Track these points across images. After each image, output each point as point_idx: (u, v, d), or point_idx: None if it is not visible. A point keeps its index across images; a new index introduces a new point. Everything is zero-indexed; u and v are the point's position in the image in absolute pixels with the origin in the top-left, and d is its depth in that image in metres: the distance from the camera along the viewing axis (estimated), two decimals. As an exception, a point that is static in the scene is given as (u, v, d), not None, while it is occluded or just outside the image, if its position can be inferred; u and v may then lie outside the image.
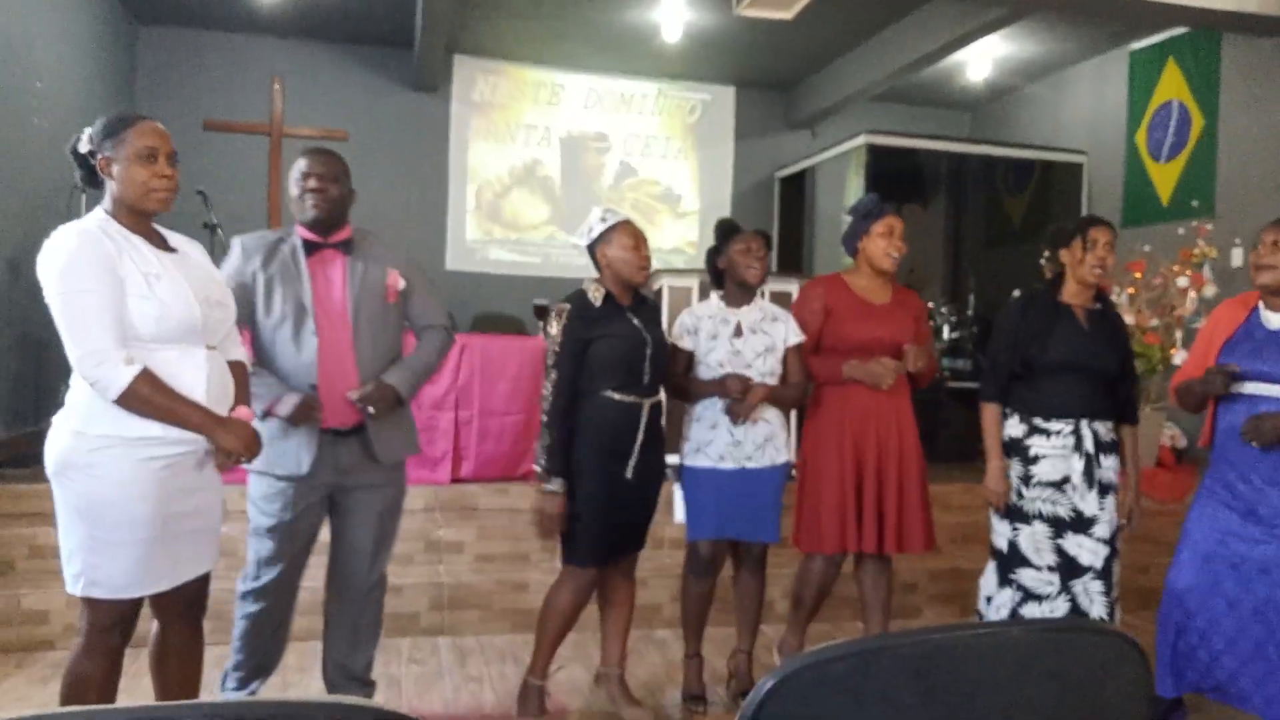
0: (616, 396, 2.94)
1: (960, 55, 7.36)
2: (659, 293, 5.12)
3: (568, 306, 2.95)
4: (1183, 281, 5.60)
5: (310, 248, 2.72)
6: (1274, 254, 2.82)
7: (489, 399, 4.90)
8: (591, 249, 3.02)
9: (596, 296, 2.97)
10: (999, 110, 9.04)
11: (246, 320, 2.66)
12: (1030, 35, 7.26)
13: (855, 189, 7.54)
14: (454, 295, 7.98)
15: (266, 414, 2.59)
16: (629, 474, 2.96)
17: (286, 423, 2.61)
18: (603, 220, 3.01)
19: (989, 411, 3.14)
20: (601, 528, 2.94)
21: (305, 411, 2.57)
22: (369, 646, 2.95)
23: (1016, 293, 5.54)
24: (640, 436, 2.97)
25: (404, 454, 2.85)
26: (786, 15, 5.17)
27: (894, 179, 7.65)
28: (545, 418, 2.90)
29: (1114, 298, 5.83)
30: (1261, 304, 2.92)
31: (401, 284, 2.78)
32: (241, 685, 2.82)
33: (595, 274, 3.06)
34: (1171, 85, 6.92)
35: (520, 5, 7.12)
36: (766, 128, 9.09)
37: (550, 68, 8.52)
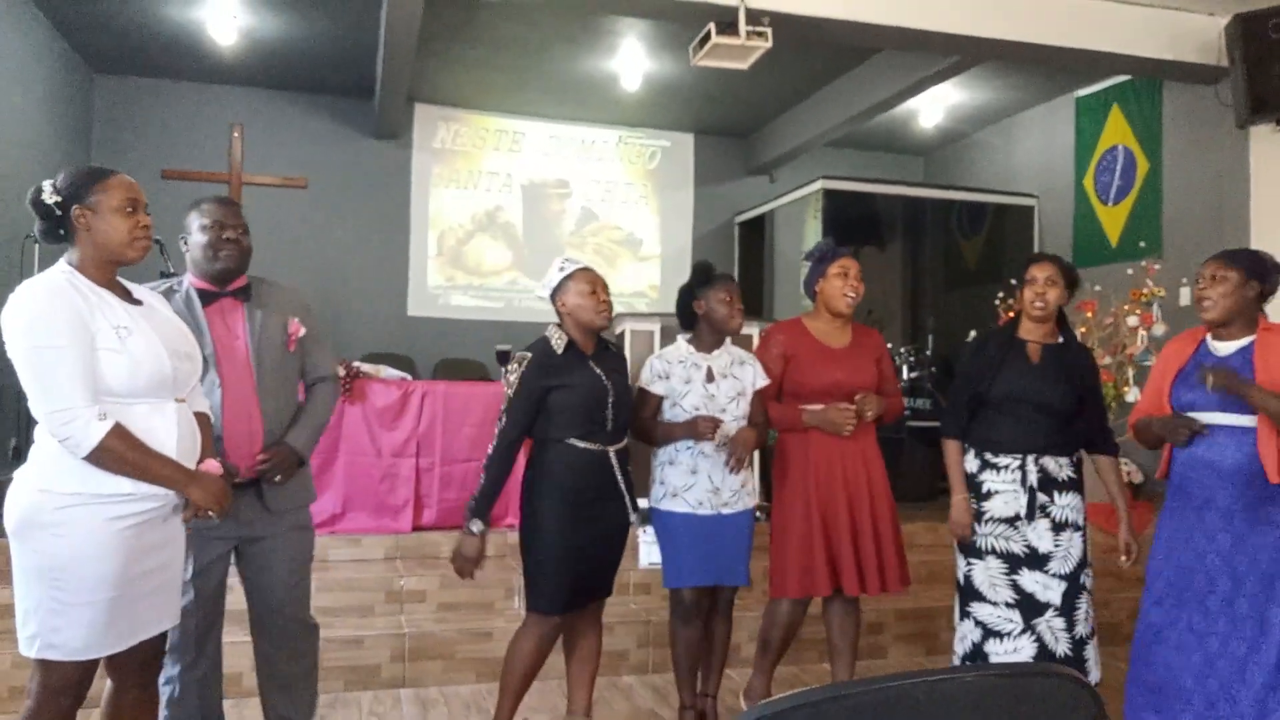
0: (580, 444, 2.93)
1: (913, 103, 7.55)
2: (621, 336, 5.14)
3: (529, 355, 2.95)
4: (1133, 320, 5.74)
5: (206, 297, 2.67)
6: (1213, 287, 2.88)
7: (451, 446, 4.87)
8: (553, 298, 3.04)
9: (559, 344, 2.97)
10: (951, 155, 9.26)
11: None
12: (980, 83, 7.46)
13: (813, 232, 7.66)
14: (416, 341, 7.96)
15: None
16: (631, 516, 3.02)
17: None
18: (560, 270, 3.03)
19: (950, 447, 3.18)
20: (565, 575, 2.92)
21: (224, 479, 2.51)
22: (306, 695, 2.87)
23: (973, 333, 5.65)
24: (610, 483, 2.97)
25: (301, 502, 2.81)
26: (742, 65, 5.28)
27: (851, 223, 7.79)
28: (488, 458, 2.91)
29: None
30: (1209, 336, 2.99)
31: (301, 332, 2.77)
32: None
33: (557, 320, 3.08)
34: (1117, 131, 7.14)
35: (481, 55, 7.20)
36: (725, 173, 9.23)
37: (511, 115, 8.60)
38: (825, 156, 8.86)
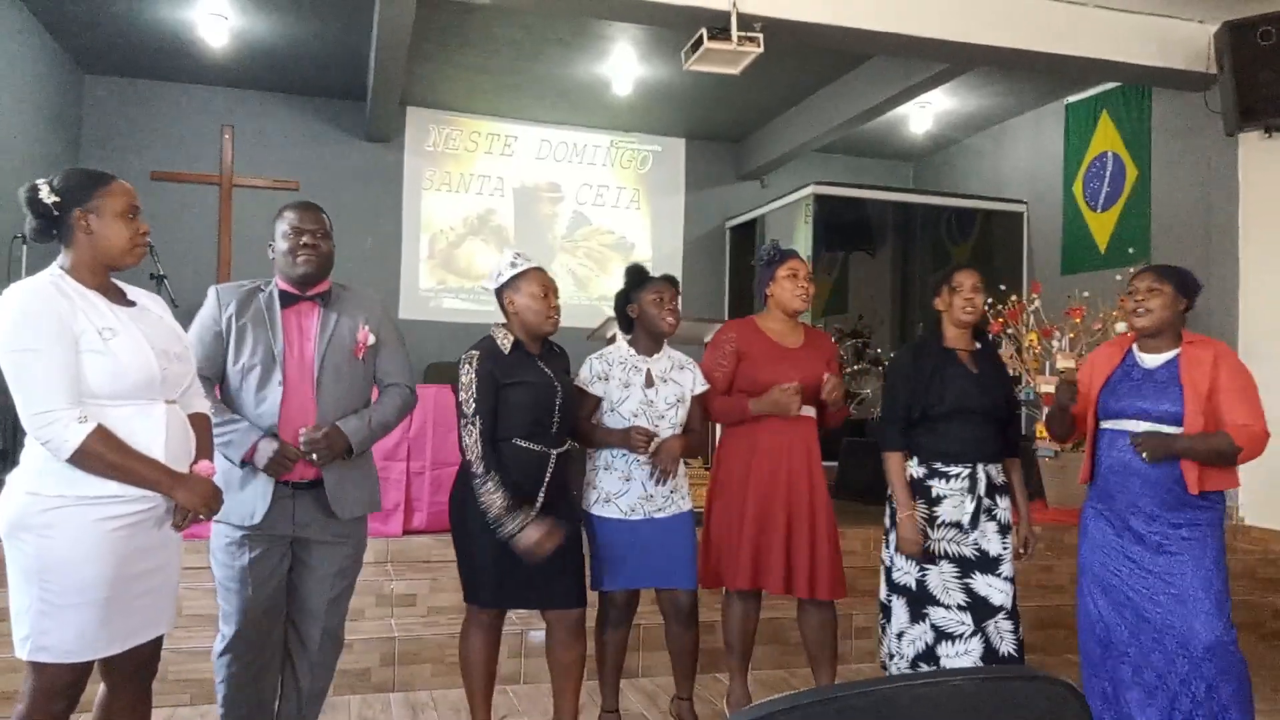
0: (524, 445, 2.88)
1: (903, 109, 7.57)
2: (612, 339, 5.13)
3: (476, 353, 2.89)
4: (1121, 326, 5.74)
5: (287, 299, 2.71)
6: (1149, 298, 2.99)
7: (442, 449, 4.86)
8: (499, 292, 2.98)
9: (505, 343, 2.93)
10: (941, 161, 9.29)
11: (218, 368, 2.66)
12: (970, 89, 7.50)
13: (804, 237, 7.68)
14: (407, 344, 7.93)
15: (244, 462, 2.57)
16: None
17: (248, 472, 2.58)
18: (513, 265, 2.97)
19: (893, 460, 3.16)
20: (499, 570, 2.86)
21: (279, 464, 2.55)
22: (315, 705, 2.88)
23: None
24: (544, 488, 2.89)
25: (364, 510, 2.78)
26: (734, 70, 5.29)
27: (841, 228, 7.81)
28: (481, 464, 2.79)
29: (1054, 342, 6.01)
30: (1135, 345, 3.10)
31: (371, 339, 2.76)
32: None
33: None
34: (1106, 137, 7.18)
35: (473, 59, 7.20)
36: (717, 178, 9.25)
37: (503, 119, 8.60)
38: (816, 162, 8.89)
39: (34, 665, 2.14)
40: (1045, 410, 3.27)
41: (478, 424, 2.82)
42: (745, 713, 0.85)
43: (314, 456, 2.60)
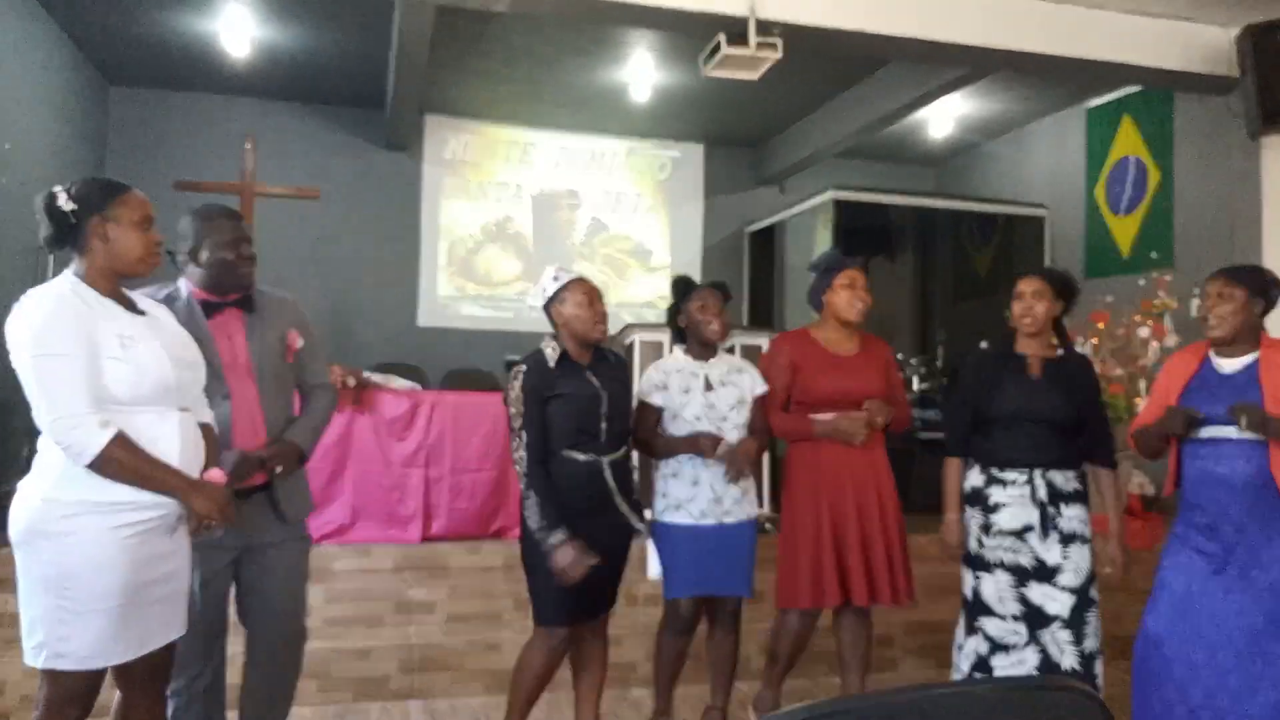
0: (576, 455, 2.91)
1: (923, 113, 7.54)
2: (630, 347, 5.14)
3: (524, 367, 2.93)
4: (1144, 332, 5.71)
5: (209, 308, 2.65)
6: (1220, 305, 2.89)
7: (460, 456, 4.87)
8: (547, 308, 3.02)
9: (552, 355, 2.96)
10: (962, 166, 9.24)
11: None
12: (990, 94, 7.46)
13: (824, 243, 7.65)
14: (426, 351, 7.97)
15: None
16: (637, 525, 2.99)
17: None
18: (555, 279, 3.01)
19: (949, 465, 3.19)
20: (575, 589, 2.90)
21: (247, 466, 2.54)
22: (287, 703, 2.86)
23: (984, 344, 5.63)
24: (605, 493, 2.95)
25: (307, 513, 2.84)
26: (753, 75, 5.28)
27: (861, 233, 7.78)
28: (525, 479, 2.86)
29: (1077, 347, 5.95)
30: (1212, 352, 2.99)
31: (300, 343, 2.77)
32: None
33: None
34: (1128, 141, 7.12)
35: (491, 67, 7.23)
36: (735, 184, 9.24)
37: (521, 126, 8.63)
38: (835, 167, 8.86)
39: (49, 673, 2.14)
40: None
41: (524, 438, 2.87)
42: (773, 718, 0.84)
43: (278, 469, 2.61)
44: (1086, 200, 7.48)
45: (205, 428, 2.39)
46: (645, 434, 3.19)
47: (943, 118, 7.95)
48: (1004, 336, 3.24)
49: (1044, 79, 6.91)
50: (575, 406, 2.91)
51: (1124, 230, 7.09)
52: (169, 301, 2.62)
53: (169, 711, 2.63)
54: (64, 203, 2.20)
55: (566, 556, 2.80)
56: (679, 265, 8.80)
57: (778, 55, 4.99)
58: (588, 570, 2.82)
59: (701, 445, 3.09)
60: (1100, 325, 5.87)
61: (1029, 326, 3.11)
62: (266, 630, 2.77)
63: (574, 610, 2.96)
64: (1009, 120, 8.16)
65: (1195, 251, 6.35)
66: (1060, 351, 3.17)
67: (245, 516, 2.61)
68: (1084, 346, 5.88)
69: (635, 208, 9.05)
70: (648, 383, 3.23)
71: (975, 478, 3.13)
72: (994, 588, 3.07)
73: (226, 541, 2.60)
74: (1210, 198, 6.33)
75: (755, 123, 8.52)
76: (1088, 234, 7.46)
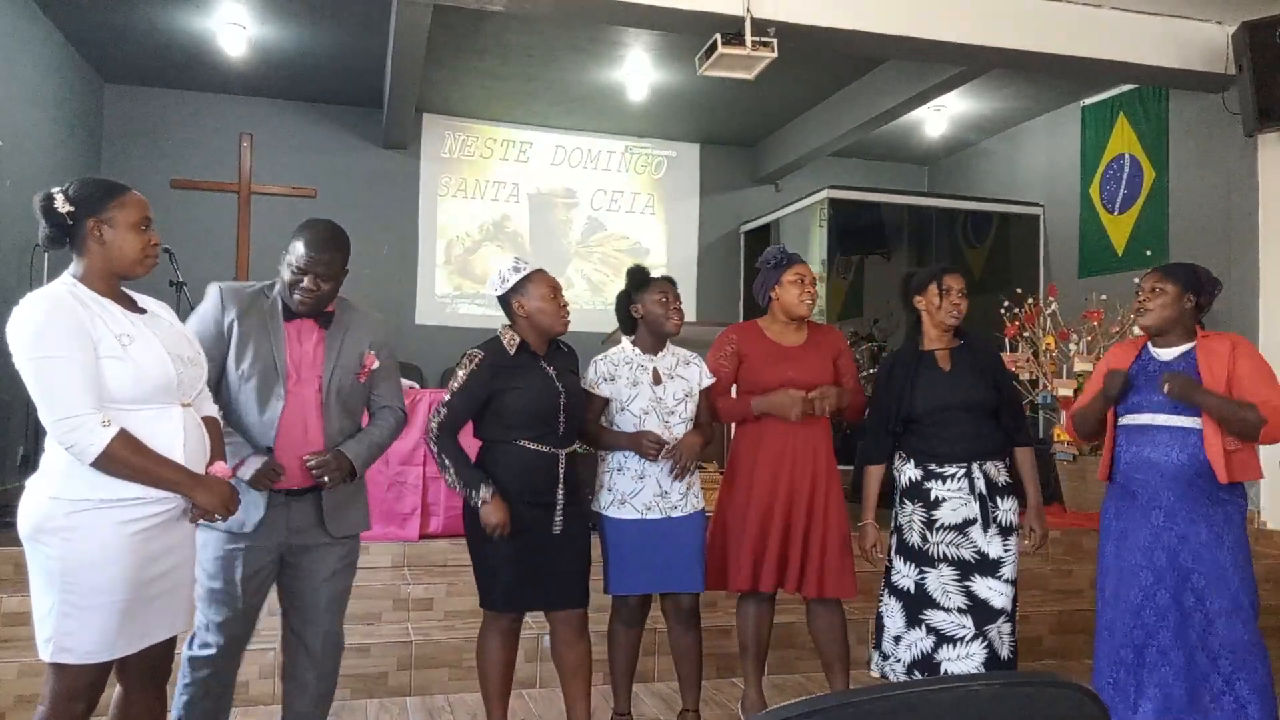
0: (532, 446, 2.91)
1: (918, 112, 7.55)
2: (609, 337, 5.13)
3: (480, 354, 2.93)
4: (1139, 330, 5.73)
5: (290, 312, 2.68)
6: (1152, 299, 3.07)
7: (458, 454, 4.87)
8: (506, 299, 3.00)
9: (511, 345, 2.95)
10: (956, 164, 9.26)
11: (216, 368, 2.60)
12: (986, 92, 7.47)
13: (819, 241, 7.67)
14: (424, 349, 7.99)
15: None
16: (555, 528, 2.93)
17: (237, 482, 2.57)
18: (516, 269, 3.00)
19: (870, 473, 3.25)
20: (515, 574, 2.89)
21: (266, 477, 2.53)
22: (326, 705, 2.88)
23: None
24: (561, 487, 2.94)
25: (356, 530, 2.80)
26: (748, 75, 5.30)
27: (856, 231, 7.80)
28: (435, 445, 2.87)
29: (1072, 345, 5.97)
30: (1149, 343, 3.14)
31: (375, 364, 2.76)
32: None
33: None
34: (1123, 140, 7.14)
35: (488, 66, 7.24)
36: (731, 183, 9.25)
37: (518, 125, 8.63)
38: (831, 166, 8.88)
39: (55, 667, 2.17)
40: (1063, 414, 3.27)
41: (443, 413, 2.89)
42: (771, 714, 0.86)
43: (325, 479, 2.61)
44: (1081, 198, 7.51)
45: (209, 421, 2.40)
46: (591, 425, 3.16)
47: (938, 116, 7.97)
48: (908, 338, 3.30)
49: (1039, 77, 6.93)
50: (534, 399, 2.91)
51: (1119, 228, 7.12)
52: (263, 295, 2.67)
53: (179, 703, 2.66)
54: (61, 204, 2.21)
55: (494, 513, 2.82)
56: (675, 263, 8.81)
57: (773, 55, 5.00)
58: (510, 530, 2.83)
59: (644, 448, 3.07)
60: (1095, 323, 5.90)
61: (956, 321, 3.17)
62: (302, 635, 2.77)
63: (518, 596, 2.94)
64: (1004, 119, 8.18)
65: (1190, 249, 6.37)
66: (960, 341, 3.23)
67: (290, 517, 2.63)
68: (1079, 344, 5.91)
69: (632, 206, 9.07)
70: (595, 373, 3.22)
71: (911, 472, 3.16)
72: (938, 581, 3.10)
73: (270, 539, 2.61)
74: (1205, 195, 6.35)
75: (751, 122, 8.53)
76: (1082, 232, 7.48)
